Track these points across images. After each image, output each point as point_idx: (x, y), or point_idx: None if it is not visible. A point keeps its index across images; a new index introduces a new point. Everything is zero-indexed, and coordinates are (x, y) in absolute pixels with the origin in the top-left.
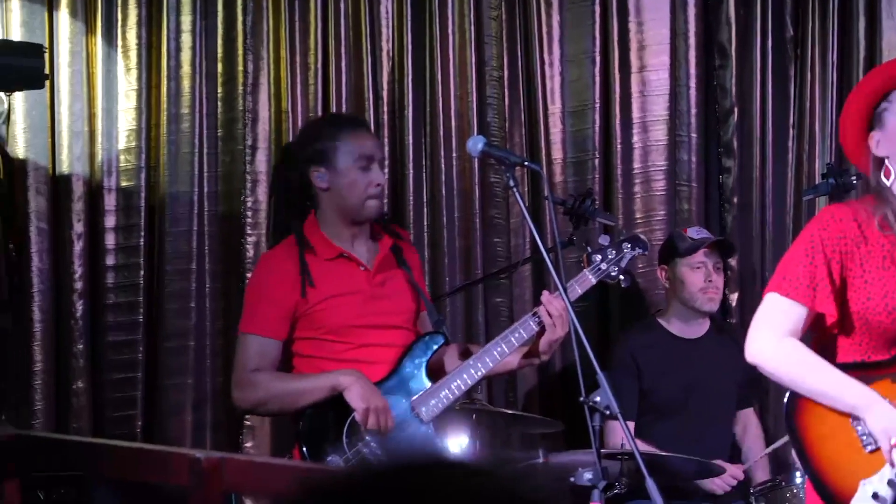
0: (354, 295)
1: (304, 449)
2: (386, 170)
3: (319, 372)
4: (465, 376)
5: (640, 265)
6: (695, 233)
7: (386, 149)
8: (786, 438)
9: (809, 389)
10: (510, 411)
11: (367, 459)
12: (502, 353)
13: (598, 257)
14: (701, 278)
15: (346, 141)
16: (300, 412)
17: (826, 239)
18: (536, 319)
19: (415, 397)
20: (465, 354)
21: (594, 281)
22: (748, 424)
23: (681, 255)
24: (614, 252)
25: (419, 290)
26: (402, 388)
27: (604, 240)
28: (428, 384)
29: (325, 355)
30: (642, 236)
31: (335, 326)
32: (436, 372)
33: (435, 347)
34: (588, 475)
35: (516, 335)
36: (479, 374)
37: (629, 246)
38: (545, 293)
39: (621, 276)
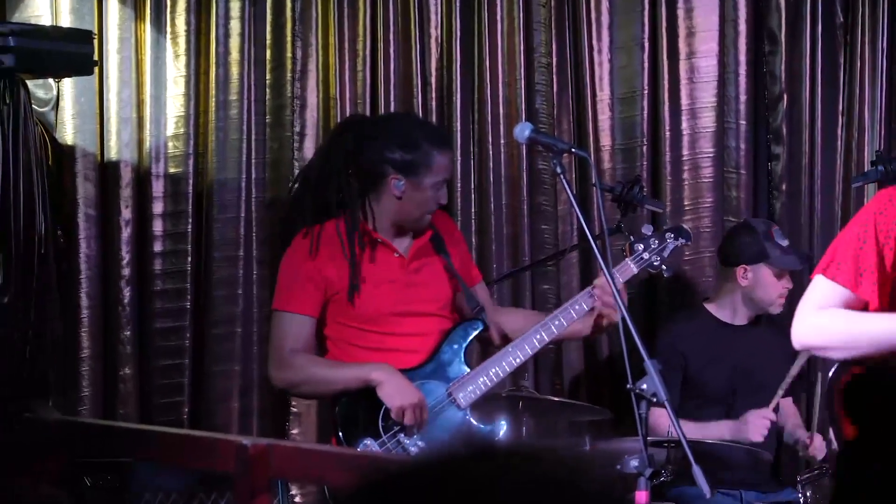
0: (389, 283)
1: (340, 433)
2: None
3: (353, 361)
4: (503, 363)
5: (688, 253)
6: (780, 239)
7: None
8: (805, 357)
9: (870, 340)
10: (557, 398)
11: (404, 445)
12: (542, 339)
13: (641, 246)
14: (782, 287)
15: (438, 163)
16: (336, 397)
17: (881, 223)
18: (588, 302)
19: (452, 383)
20: (525, 316)
21: (636, 270)
22: (787, 413)
23: (771, 262)
24: (657, 242)
25: (458, 277)
26: (440, 374)
27: (647, 229)
28: (466, 370)
29: (359, 343)
30: (686, 226)
31: (369, 315)
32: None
33: (474, 333)
34: (634, 462)
35: (565, 319)
36: (518, 360)
37: (672, 235)
38: (598, 281)
39: (663, 266)
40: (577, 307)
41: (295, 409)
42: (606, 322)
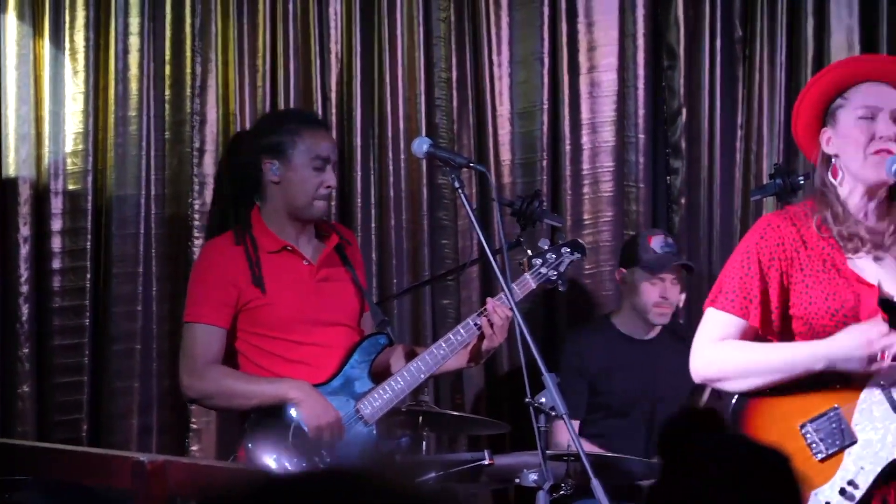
0: (297, 289)
1: (250, 447)
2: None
3: (262, 370)
4: (408, 377)
5: (588, 266)
6: (659, 245)
7: None
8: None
9: (766, 369)
10: (457, 413)
11: (313, 460)
12: (445, 354)
13: (539, 261)
14: (656, 294)
15: (305, 138)
16: (246, 411)
17: (763, 248)
18: (478, 323)
19: (359, 399)
20: (410, 355)
21: (534, 285)
22: None
23: (641, 266)
24: (554, 256)
25: (363, 290)
26: (347, 390)
27: (543, 243)
28: (372, 385)
29: (268, 349)
30: (581, 241)
31: (278, 322)
32: (381, 373)
33: (379, 349)
34: (533, 476)
35: (459, 337)
36: (423, 375)
37: (568, 250)
38: (490, 301)
39: (560, 281)
40: (458, 337)
41: (195, 426)
42: (486, 347)
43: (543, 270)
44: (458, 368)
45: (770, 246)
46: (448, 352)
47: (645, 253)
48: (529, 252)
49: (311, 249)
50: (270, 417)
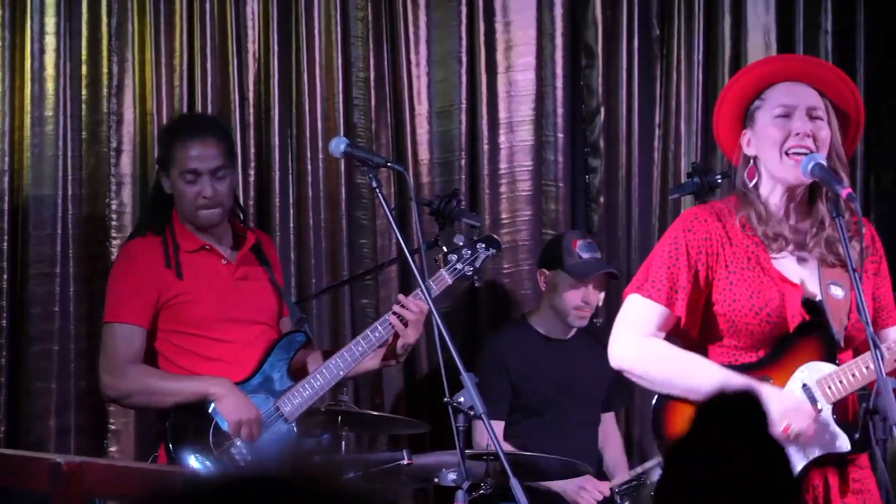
0: (216, 287)
1: (170, 447)
2: (252, 170)
3: (180, 368)
4: (326, 374)
5: (507, 265)
6: (585, 249)
7: (251, 151)
8: (654, 461)
9: (683, 386)
10: (376, 413)
11: (234, 459)
12: (363, 351)
13: (454, 257)
14: (578, 298)
15: (177, 153)
16: (165, 410)
17: (691, 240)
18: (395, 318)
19: (278, 397)
20: (327, 357)
21: (450, 280)
22: (608, 431)
23: (566, 270)
24: (469, 252)
25: (280, 289)
26: (266, 388)
27: (459, 239)
28: (291, 382)
29: (186, 347)
30: (496, 237)
31: (197, 320)
32: (298, 372)
33: (297, 346)
34: (452, 476)
35: (376, 333)
36: (341, 372)
37: (483, 246)
38: (400, 297)
39: (476, 276)
40: (376, 334)
41: (113, 427)
42: (401, 344)
43: (459, 266)
44: (376, 368)
45: (698, 239)
46: (366, 348)
47: (570, 257)
48: (445, 249)
49: (229, 249)
50: (190, 416)
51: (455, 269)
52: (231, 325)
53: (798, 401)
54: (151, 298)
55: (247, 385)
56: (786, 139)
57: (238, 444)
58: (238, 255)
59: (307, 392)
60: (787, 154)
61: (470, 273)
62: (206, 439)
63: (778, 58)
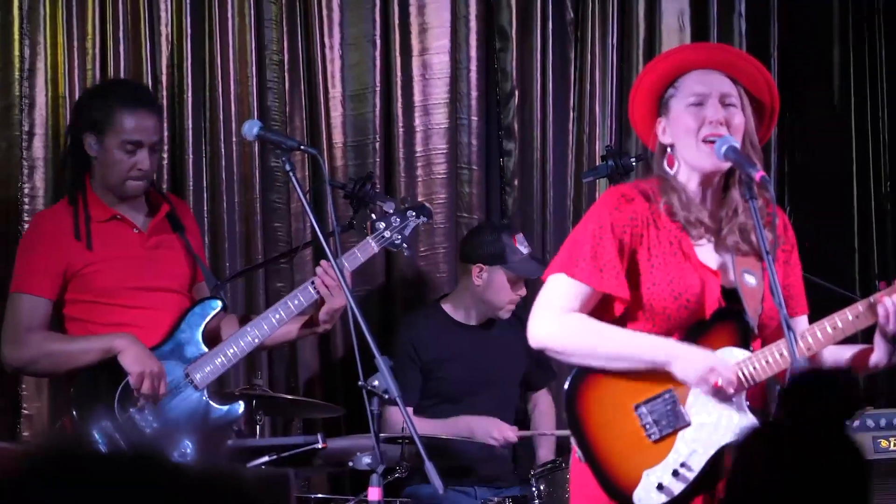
0: (127, 257)
1: (75, 413)
2: (166, 153)
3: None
4: (241, 343)
5: (423, 249)
6: (523, 246)
7: (165, 134)
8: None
9: (606, 354)
10: (291, 396)
11: (139, 425)
12: (280, 319)
13: (382, 225)
14: (515, 294)
15: (122, 120)
16: (73, 376)
17: (616, 219)
18: (315, 287)
19: (190, 364)
20: (242, 320)
21: (376, 249)
22: (542, 409)
23: (508, 267)
24: (398, 220)
25: (196, 256)
26: (178, 354)
27: (389, 206)
28: (204, 350)
29: (96, 319)
30: (427, 205)
31: (107, 289)
32: (213, 339)
33: (212, 313)
34: (367, 459)
35: (295, 302)
36: (257, 340)
37: (413, 214)
38: (323, 262)
39: (404, 245)
40: (296, 301)
41: (26, 411)
42: (329, 308)
43: (387, 234)
44: (295, 336)
45: (623, 219)
46: (284, 316)
47: (513, 255)
48: (373, 216)
49: (142, 218)
50: (97, 380)
51: (383, 237)
52: (142, 293)
53: (719, 356)
54: (59, 269)
55: (157, 351)
56: (700, 127)
57: (145, 410)
58: (151, 223)
59: (219, 360)
60: (703, 142)
61: (398, 242)
62: (112, 405)
63: (691, 46)
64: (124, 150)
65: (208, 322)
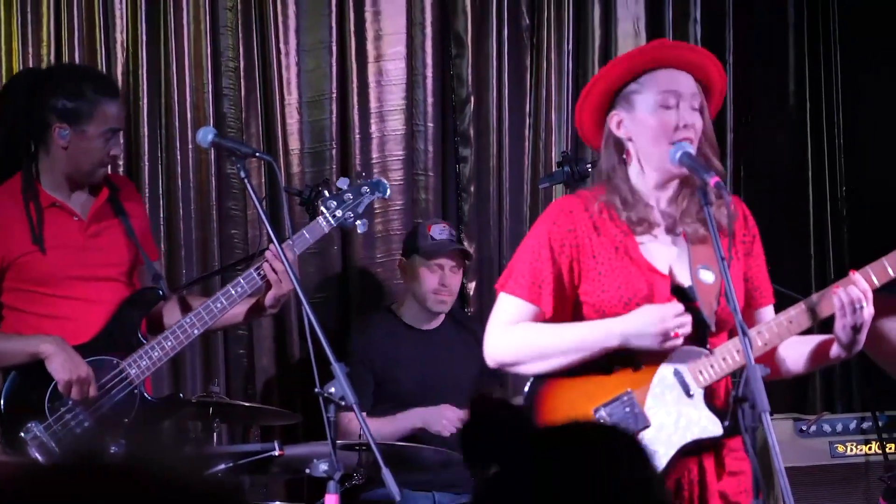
0: (65, 245)
1: (3, 413)
2: (121, 160)
3: (27, 327)
4: (179, 334)
5: (379, 255)
6: (438, 231)
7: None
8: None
9: (557, 350)
10: (248, 403)
11: (70, 426)
12: (222, 308)
13: (334, 203)
14: (436, 281)
15: (103, 110)
16: (3, 371)
17: (554, 234)
18: (260, 273)
19: (126, 357)
20: (184, 306)
21: (327, 229)
22: None
23: (420, 253)
24: (352, 196)
25: (137, 242)
26: (114, 347)
27: (342, 183)
28: (142, 342)
29: (32, 309)
30: (384, 180)
31: (43, 278)
32: (156, 325)
33: (150, 303)
34: (324, 466)
35: (238, 289)
36: (196, 330)
37: (368, 190)
38: (271, 247)
39: (358, 222)
40: (238, 289)
41: None
42: (275, 294)
43: (339, 213)
44: (241, 320)
45: (562, 232)
46: (226, 304)
47: (424, 240)
48: (326, 193)
49: (81, 204)
50: (28, 379)
51: (334, 216)
52: (78, 283)
53: (661, 307)
54: None
55: (93, 345)
56: (675, 130)
57: (77, 410)
58: (91, 209)
59: (156, 354)
60: (671, 144)
61: (351, 219)
62: (42, 404)
63: (668, 44)
64: (105, 137)
65: (148, 313)
